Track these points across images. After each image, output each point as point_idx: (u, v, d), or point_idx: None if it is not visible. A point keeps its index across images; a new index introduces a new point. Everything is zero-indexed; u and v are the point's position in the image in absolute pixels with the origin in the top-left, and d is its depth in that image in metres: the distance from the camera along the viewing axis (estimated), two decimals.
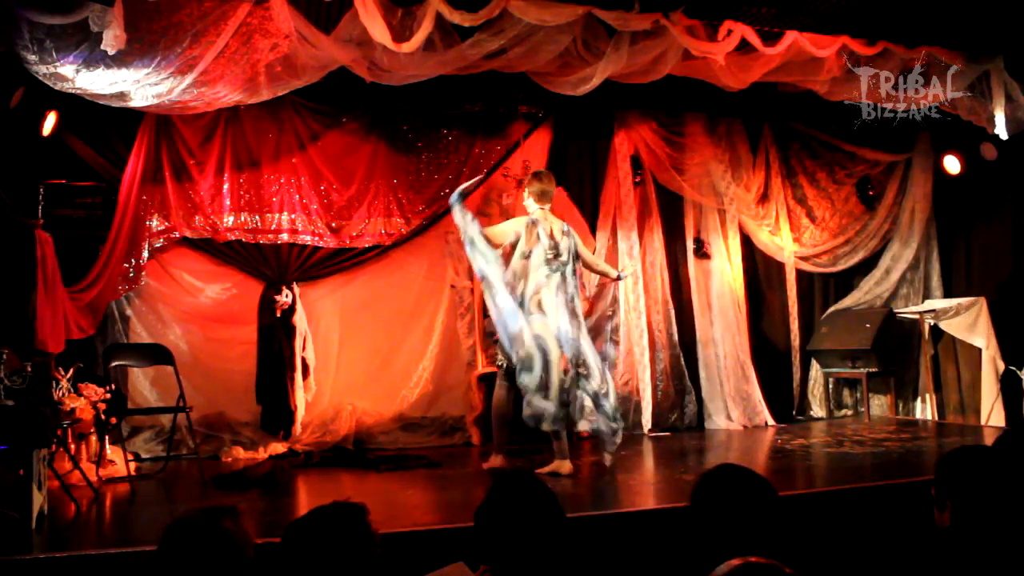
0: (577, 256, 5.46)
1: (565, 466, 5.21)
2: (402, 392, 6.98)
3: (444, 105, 7.21)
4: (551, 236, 5.32)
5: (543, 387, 5.07)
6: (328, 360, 6.96)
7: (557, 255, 5.29)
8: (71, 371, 5.61)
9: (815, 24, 6.17)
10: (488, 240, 5.21)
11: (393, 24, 5.19)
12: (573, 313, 5.26)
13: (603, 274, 6.20)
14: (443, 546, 3.52)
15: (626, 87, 6.37)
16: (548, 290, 5.21)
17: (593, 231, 7.60)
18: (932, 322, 7.97)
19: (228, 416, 6.58)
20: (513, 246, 5.34)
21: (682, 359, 7.65)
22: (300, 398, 6.70)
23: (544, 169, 6.20)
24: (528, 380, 5.08)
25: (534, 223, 5.35)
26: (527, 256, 5.27)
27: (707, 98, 7.16)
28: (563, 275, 5.28)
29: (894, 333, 7.99)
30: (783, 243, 8.21)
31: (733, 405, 7.57)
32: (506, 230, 5.43)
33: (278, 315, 6.72)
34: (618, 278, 6.19)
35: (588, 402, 5.28)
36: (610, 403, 5.22)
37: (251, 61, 5.25)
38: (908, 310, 8.15)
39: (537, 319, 5.16)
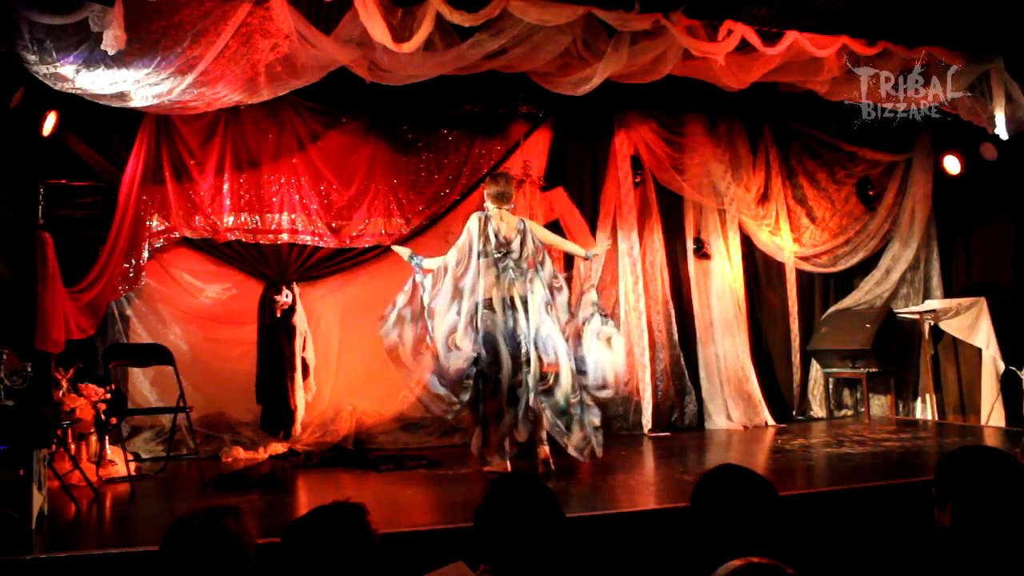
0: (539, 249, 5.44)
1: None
2: (402, 392, 6.91)
3: (444, 105, 7.20)
4: (500, 235, 5.36)
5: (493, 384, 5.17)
6: (328, 360, 6.96)
7: (506, 253, 5.33)
8: (71, 371, 5.61)
9: (815, 24, 6.17)
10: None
11: (393, 24, 5.19)
12: (545, 309, 5.27)
13: (571, 253, 6.20)
14: (443, 546, 3.52)
15: (626, 87, 6.37)
16: (498, 289, 5.27)
17: (593, 231, 7.59)
18: (932, 322, 7.97)
19: (228, 416, 6.59)
20: (470, 247, 5.35)
21: (682, 359, 7.66)
22: (300, 398, 6.70)
23: (502, 172, 6.18)
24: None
25: (487, 220, 5.40)
26: (484, 255, 5.32)
27: (707, 98, 7.15)
28: (519, 272, 5.30)
29: (894, 333, 7.99)
30: (783, 243, 8.20)
31: (733, 405, 7.57)
32: (462, 239, 5.42)
33: (278, 315, 6.73)
34: (586, 258, 6.10)
35: (548, 411, 5.21)
36: (583, 403, 5.21)
37: (251, 61, 5.25)
38: (908, 310, 8.14)
39: (487, 316, 5.23)
